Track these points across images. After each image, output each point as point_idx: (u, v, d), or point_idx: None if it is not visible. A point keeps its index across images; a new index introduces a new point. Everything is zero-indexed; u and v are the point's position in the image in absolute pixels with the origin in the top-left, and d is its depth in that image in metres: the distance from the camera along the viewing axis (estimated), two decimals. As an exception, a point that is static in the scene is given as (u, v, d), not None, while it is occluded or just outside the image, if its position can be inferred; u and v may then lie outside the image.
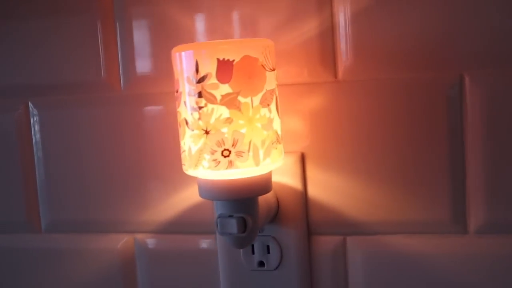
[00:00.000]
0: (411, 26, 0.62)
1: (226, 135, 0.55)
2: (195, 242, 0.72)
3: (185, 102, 0.56)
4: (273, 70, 0.57)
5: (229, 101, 0.54)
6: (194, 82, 0.55)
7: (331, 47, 0.65)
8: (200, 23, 0.68)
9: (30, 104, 0.75)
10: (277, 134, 0.58)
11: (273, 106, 0.57)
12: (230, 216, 0.58)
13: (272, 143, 0.57)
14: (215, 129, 0.55)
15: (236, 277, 0.69)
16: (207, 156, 0.55)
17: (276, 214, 0.67)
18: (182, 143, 0.58)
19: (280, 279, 0.67)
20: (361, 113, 0.65)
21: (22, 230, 0.77)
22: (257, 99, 0.55)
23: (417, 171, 0.64)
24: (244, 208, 0.58)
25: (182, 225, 0.72)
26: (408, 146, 0.64)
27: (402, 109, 0.64)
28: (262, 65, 0.55)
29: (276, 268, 0.67)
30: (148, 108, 0.71)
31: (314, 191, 0.67)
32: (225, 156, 0.55)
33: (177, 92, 0.57)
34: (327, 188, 0.67)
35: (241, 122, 0.55)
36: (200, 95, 0.54)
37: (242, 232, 0.58)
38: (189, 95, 0.55)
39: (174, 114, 0.70)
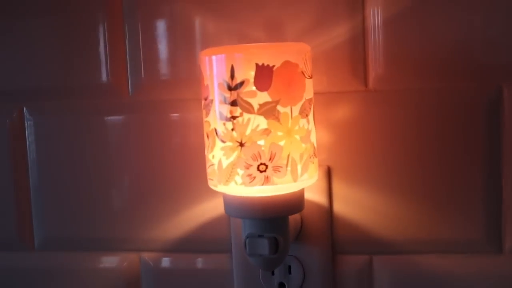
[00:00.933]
0: (447, 33, 0.59)
1: (263, 148, 0.50)
2: (206, 262, 0.66)
3: (216, 111, 0.51)
4: (311, 77, 0.53)
5: (268, 111, 0.49)
6: (229, 89, 0.49)
7: (361, 54, 0.61)
8: (220, 26, 0.63)
9: (25, 109, 0.68)
10: (314, 147, 0.53)
11: (311, 117, 0.52)
12: (260, 236, 0.53)
13: (310, 157, 0.52)
14: (251, 141, 0.50)
15: (253, 300, 0.64)
16: (240, 171, 0.50)
17: (300, 232, 0.62)
18: (210, 156, 0.52)
19: (302, 301, 0.63)
20: (392, 125, 0.61)
21: (13, 248, 0.70)
22: (296, 109, 0.50)
23: (450, 187, 0.61)
24: (275, 227, 0.53)
25: (193, 243, 0.66)
26: (441, 161, 0.60)
27: (435, 121, 0.60)
28: (302, 72, 0.51)
29: (298, 289, 0.63)
30: (159, 116, 0.66)
31: (340, 208, 0.63)
32: (261, 171, 0.50)
33: (205, 99, 0.52)
34: (354, 204, 0.62)
35: (279, 134, 0.50)
36: (234, 103, 0.49)
37: (274, 253, 0.53)
38: (221, 103, 0.50)
39: (187, 123, 0.65)
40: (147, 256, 0.67)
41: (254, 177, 0.50)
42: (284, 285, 0.63)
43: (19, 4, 0.67)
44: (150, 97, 0.65)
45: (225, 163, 0.51)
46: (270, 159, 0.50)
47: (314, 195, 0.62)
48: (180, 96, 0.64)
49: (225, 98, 0.50)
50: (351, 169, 0.62)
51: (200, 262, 0.67)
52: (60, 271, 0.70)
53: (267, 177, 0.50)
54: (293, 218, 0.59)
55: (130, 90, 0.66)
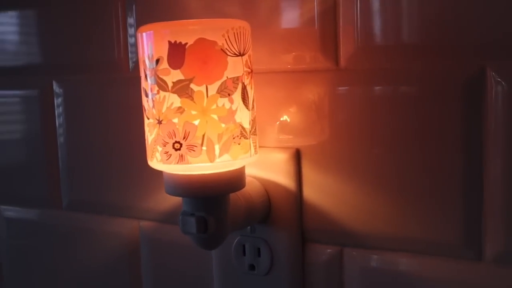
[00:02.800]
0: (426, 8, 0.52)
1: (177, 126, 0.49)
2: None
3: (143, 88, 0.52)
4: (242, 55, 0.51)
5: (181, 89, 0.49)
6: (149, 67, 0.50)
7: (332, 30, 0.56)
8: (202, 4, 0.63)
9: (54, 83, 0.76)
10: (242, 127, 0.51)
11: (237, 96, 0.50)
12: (192, 214, 0.53)
13: (233, 138, 0.50)
14: (167, 119, 0.50)
15: (228, 279, 0.64)
16: (159, 148, 0.51)
17: (268, 215, 0.60)
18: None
19: (270, 285, 0.61)
20: (365, 107, 0.56)
21: (45, 206, 0.79)
22: (213, 88, 0.49)
23: (427, 181, 0.54)
24: (206, 206, 0.53)
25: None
26: (418, 151, 0.54)
27: (412, 105, 0.54)
28: (222, 50, 0.49)
29: (267, 274, 0.61)
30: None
31: (310, 193, 0.59)
32: (176, 149, 0.50)
33: (140, 76, 0.53)
34: (325, 191, 0.59)
35: (193, 112, 0.49)
36: (153, 81, 0.50)
37: (203, 233, 0.53)
38: (144, 80, 0.51)
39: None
40: (145, 224, 0.71)
41: (170, 155, 0.50)
42: (254, 267, 0.62)
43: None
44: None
45: (150, 139, 0.52)
46: (184, 137, 0.49)
47: (282, 178, 0.59)
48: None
49: (146, 76, 0.50)
50: (321, 153, 0.58)
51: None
52: (81, 230, 0.77)
53: (182, 155, 0.50)
54: (248, 199, 0.58)
55: (130, 67, 0.70)
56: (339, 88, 0.57)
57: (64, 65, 0.75)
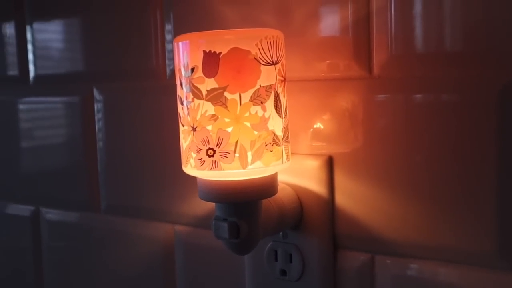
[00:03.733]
0: (461, 15, 0.52)
1: (211, 133, 0.51)
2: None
3: (179, 96, 0.53)
4: (275, 63, 0.52)
5: (215, 97, 0.50)
6: (184, 75, 0.51)
7: (366, 39, 0.57)
8: (239, 14, 0.64)
9: (94, 90, 0.78)
10: (275, 135, 0.52)
11: (269, 104, 0.51)
12: (225, 219, 0.54)
13: (266, 145, 0.51)
14: (201, 126, 0.51)
15: (260, 284, 0.65)
16: (194, 155, 0.52)
17: (300, 221, 0.61)
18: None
19: (302, 292, 0.62)
20: (398, 115, 0.56)
21: (84, 209, 0.81)
22: (247, 96, 0.50)
23: (460, 189, 0.54)
24: (239, 212, 0.54)
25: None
26: (452, 158, 0.54)
27: (446, 113, 0.54)
28: (256, 59, 0.50)
29: (298, 279, 0.62)
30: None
31: (342, 200, 0.60)
32: (209, 156, 0.51)
33: (176, 84, 0.54)
34: (357, 198, 0.59)
35: (227, 120, 0.50)
36: (188, 89, 0.51)
37: (235, 238, 0.54)
38: (180, 88, 0.52)
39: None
40: (179, 229, 0.72)
41: (204, 161, 0.51)
42: (286, 273, 0.63)
43: (88, 3, 0.77)
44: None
45: (184, 145, 0.53)
46: (217, 144, 0.51)
47: (314, 185, 0.60)
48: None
49: (182, 84, 0.52)
50: (354, 161, 0.59)
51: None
52: (118, 233, 0.79)
53: (215, 162, 0.51)
54: (281, 205, 0.58)
55: (167, 74, 0.71)
56: (373, 96, 0.57)
57: (104, 72, 0.77)
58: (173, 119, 0.69)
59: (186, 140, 0.53)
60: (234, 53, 0.49)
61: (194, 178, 0.67)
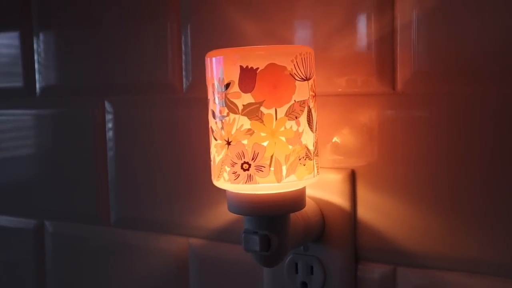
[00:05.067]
0: (480, 34, 0.54)
1: (246, 148, 0.51)
2: (244, 253, 0.69)
3: (212, 110, 0.54)
4: (308, 79, 0.53)
5: (251, 112, 0.51)
6: (219, 90, 0.52)
7: (390, 55, 0.58)
8: (258, 28, 0.65)
9: (106, 102, 0.78)
10: (307, 149, 0.53)
11: (303, 119, 0.52)
12: (255, 232, 0.55)
13: (299, 159, 0.52)
14: (236, 140, 0.52)
15: (279, 295, 0.66)
16: (227, 168, 0.53)
17: (322, 234, 0.62)
18: (210, 151, 0.56)
19: (323, 303, 0.63)
20: (420, 129, 0.58)
21: (94, 222, 0.81)
22: (282, 111, 0.51)
23: (483, 201, 0.55)
24: (269, 225, 0.55)
25: (231, 233, 0.70)
26: (475, 172, 0.55)
27: (469, 128, 0.55)
28: (291, 74, 0.51)
29: (319, 291, 0.63)
30: (204, 111, 0.70)
31: (364, 213, 0.61)
32: (244, 170, 0.52)
33: (208, 99, 0.55)
34: (379, 210, 0.60)
35: (262, 134, 0.51)
36: (223, 103, 0.52)
37: (266, 251, 0.54)
38: (214, 103, 0.53)
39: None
40: (194, 241, 0.73)
41: (238, 175, 0.52)
42: (307, 285, 0.63)
43: (99, 15, 0.77)
44: (201, 94, 0.70)
45: (217, 159, 0.54)
46: (253, 158, 0.51)
47: (337, 198, 0.61)
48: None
49: (216, 99, 0.53)
50: (376, 174, 0.60)
51: (237, 253, 0.69)
52: (128, 247, 0.78)
53: (250, 175, 0.52)
54: (306, 218, 0.59)
55: (184, 87, 0.72)
56: (396, 111, 0.59)
57: (116, 84, 0.77)
58: (190, 132, 0.71)
59: (219, 154, 0.53)
60: (271, 69, 0.50)
61: (209, 190, 0.68)
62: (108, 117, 0.78)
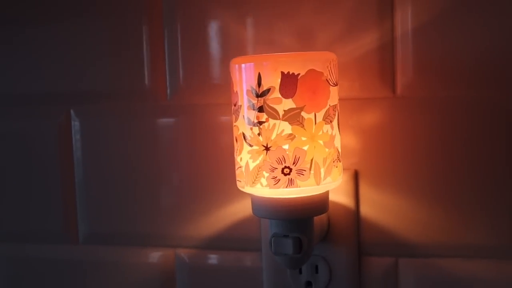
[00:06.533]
0: (476, 41, 0.60)
1: (287, 152, 0.52)
2: (238, 259, 0.69)
3: (244, 116, 0.53)
4: (336, 85, 0.55)
5: (292, 117, 0.52)
6: (256, 95, 0.52)
7: (390, 62, 0.62)
8: (254, 33, 0.66)
9: (72, 112, 0.73)
10: (338, 151, 0.55)
11: (335, 123, 0.55)
12: (285, 236, 0.56)
13: (333, 161, 0.54)
14: (276, 145, 0.52)
15: (281, 297, 0.67)
16: (266, 174, 0.53)
17: (327, 233, 0.64)
18: (238, 158, 0.55)
19: (328, 300, 0.65)
20: (419, 131, 0.62)
21: (59, 241, 0.75)
22: (320, 115, 0.53)
23: (476, 193, 0.61)
24: (300, 228, 0.56)
25: (225, 241, 0.69)
26: (468, 167, 0.61)
27: (463, 128, 0.61)
28: (327, 80, 0.53)
29: (324, 289, 0.65)
30: (193, 119, 0.69)
31: (367, 210, 0.64)
32: (285, 174, 0.52)
33: (235, 105, 0.55)
34: (380, 208, 0.64)
35: (303, 139, 0.52)
36: (261, 109, 0.52)
37: (298, 253, 0.56)
38: (249, 109, 0.53)
39: (220, 126, 0.68)
40: (182, 252, 0.71)
41: (279, 180, 0.52)
42: (311, 284, 0.65)
43: (64, 11, 0.71)
44: (187, 101, 0.69)
45: (252, 165, 0.54)
46: (294, 163, 0.52)
47: (341, 197, 0.64)
48: (214, 100, 0.68)
49: (252, 104, 0.53)
50: (378, 173, 0.64)
51: (231, 259, 0.69)
52: (101, 265, 0.74)
53: (291, 179, 0.52)
54: (319, 219, 0.61)
55: (168, 94, 0.70)
56: (396, 114, 0.63)
57: (84, 92, 0.72)
58: (174, 141, 0.69)
59: (255, 160, 0.53)
60: (311, 75, 0.52)
61: (197, 199, 0.67)
62: (75, 127, 0.73)
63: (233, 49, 0.66)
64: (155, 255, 0.72)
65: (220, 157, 0.68)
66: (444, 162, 0.62)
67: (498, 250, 0.61)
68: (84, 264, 0.74)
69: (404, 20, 0.62)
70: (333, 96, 0.54)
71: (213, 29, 0.67)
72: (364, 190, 0.64)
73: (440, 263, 0.63)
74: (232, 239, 0.69)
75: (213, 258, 0.70)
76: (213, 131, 0.68)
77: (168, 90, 0.70)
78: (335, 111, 0.55)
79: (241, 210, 0.68)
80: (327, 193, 0.56)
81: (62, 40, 0.72)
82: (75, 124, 0.73)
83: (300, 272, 0.65)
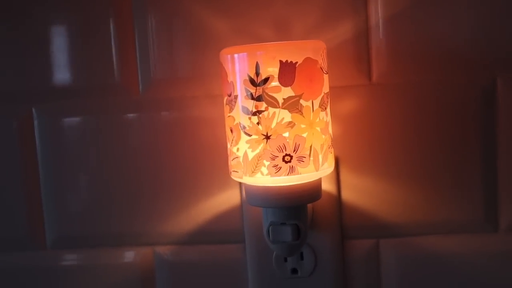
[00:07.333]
0: (445, 29, 0.63)
1: (287, 140, 0.53)
2: (220, 252, 0.69)
3: (240, 106, 0.53)
4: (327, 73, 0.56)
5: (291, 105, 0.52)
6: (253, 85, 0.52)
7: (365, 51, 0.64)
8: (229, 25, 0.65)
9: (33, 110, 0.69)
10: (331, 138, 0.57)
11: (328, 110, 0.56)
12: (283, 223, 0.56)
13: (329, 147, 0.56)
14: (276, 133, 0.53)
15: (267, 287, 0.67)
16: (266, 162, 0.53)
17: (311, 220, 0.65)
18: (234, 149, 0.55)
19: (314, 285, 0.66)
20: (395, 116, 0.65)
21: (24, 247, 0.71)
22: (317, 102, 0.54)
23: (449, 172, 0.65)
24: (296, 215, 0.57)
25: (206, 235, 0.69)
26: (441, 148, 0.65)
27: (435, 112, 0.64)
28: (321, 68, 0.54)
29: (310, 274, 0.66)
30: (168, 113, 0.68)
31: (348, 195, 0.66)
32: (286, 162, 0.53)
33: (229, 95, 0.54)
34: (360, 192, 0.66)
35: (302, 126, 0.53)
36: (260, 98, 0.52)
37: (296, 239, 0.56)
38: (246, 98, 0.53)
39: (196, 119, 0.67)
40: (161, 249, 0.69)
41: (280, 168, 0.53)
42: (297, 271, 0.66)
43: (25, 2, 0.67)
44: (160, 95, 0.67)
45: (251, 155, 0.54)
46: (294, 150, 0.53)
47: (324, 184, 0.65)
48: (189, 93, 0.67)
49: (250, 94, 0.53)
50: (357, 159, 0.66)
51: (214, 253, 0.69)
52: (73, 269, 0.71)
53: (292, 167, 0.53)
54: (309, 206, 0.62)
55: (140, 89, 0.68)
56: (372, 100, 0.65)
57: (47, 89, 0.69)
58: (149, 135, 0.67)
59: (254, 150, 0.53)
60: (308, 63, 0.53)
61: (175, 195, 0.67)
62: (39, 126, 0.69)
63: (206, 40, 0.66)
64: (130, 254, 0.70)
65: (198, 151, 0.67)
66: (419, 145, 0.65)
67: (472, 225, 0.65)
68: (54, 270, 0.71)
69: (377, 10, 0.64)
70: (326, 84, 0.55)
71: (186, 20, 0.66)
72: (344, 175, 0.66)
73: (419, 241, 0.66)
74: (213, 233, 0.68)
75: (194, 253, 0.69)
76: (189, 125, 0.67)
77: (140, 85, 0.68)
78: (328, 98, 0.56)
79: (221, 203, 0.68)
80: (320, 179, 0.57)
81: (22, 34, 0.68)
82: (38, 122, 0.69)
83: (285, 260, 0.66)
